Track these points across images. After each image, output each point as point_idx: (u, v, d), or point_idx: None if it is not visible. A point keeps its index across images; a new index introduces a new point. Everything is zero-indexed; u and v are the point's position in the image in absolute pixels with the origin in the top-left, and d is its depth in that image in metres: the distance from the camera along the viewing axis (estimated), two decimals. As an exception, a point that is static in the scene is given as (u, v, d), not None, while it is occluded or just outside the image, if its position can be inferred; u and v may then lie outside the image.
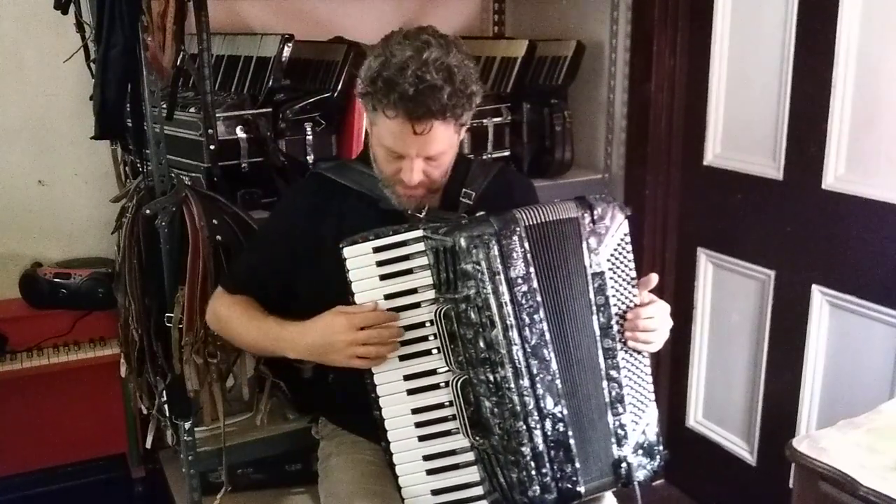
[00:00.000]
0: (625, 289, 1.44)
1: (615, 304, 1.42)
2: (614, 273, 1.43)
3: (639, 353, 1.46)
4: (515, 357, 1.34)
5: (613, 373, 1.42)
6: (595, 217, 1.41)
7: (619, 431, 1.42)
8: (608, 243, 1.42)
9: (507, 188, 1.66)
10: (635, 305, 1.45)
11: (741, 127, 2.19)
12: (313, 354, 1.45)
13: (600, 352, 1.42)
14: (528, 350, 1.35)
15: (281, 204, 1.77)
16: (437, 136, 1.40)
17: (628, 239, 1.44)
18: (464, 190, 1.58)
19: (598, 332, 1.42)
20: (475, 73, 1.42)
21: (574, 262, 1.40)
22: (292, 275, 1.58)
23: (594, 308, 1.41)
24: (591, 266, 1.41)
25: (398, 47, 1.38)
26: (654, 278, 1.49)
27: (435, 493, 1.40)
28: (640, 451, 1.44)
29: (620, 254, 1.44)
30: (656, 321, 1.46)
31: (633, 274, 1.45)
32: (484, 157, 2.28)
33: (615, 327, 1.42)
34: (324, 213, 1.56)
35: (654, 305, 1.47)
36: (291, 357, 1.51)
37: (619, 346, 1.43)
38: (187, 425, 1.95)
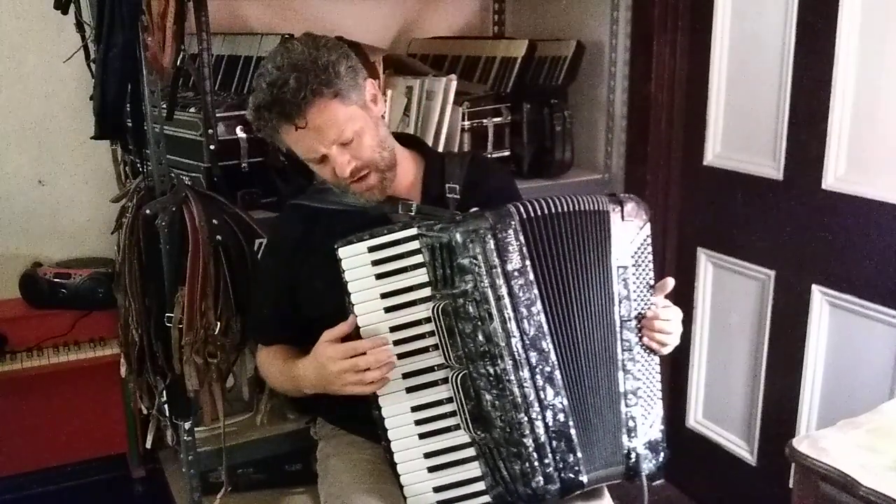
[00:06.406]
0: (643, 288, 1.46)
1: (635, 300, 1.45)
2: (636, 270, 1.45)
3: (652, 351, 1.48)
4: (515, 349, 1.35)
5: (630, 365, 1.44)
6: (624, 213, 1.45)
7: (630, 423, 1.43)
8: (634, 240, 1.45)
9: (484, 176, 1.67)
10: (653, 305, 1.46)
11: (741, 127, 2.19)
12: (317, 388, 1.46)
13: (619, 342, 1.43)
14: (527, 342, 1.36)
15: (268, 242, 1.77)
16: (323, 119, 1.40)
17: (650, 241, 1.47)
18: (447, 185, 1.58)
19: (618, 323, 1.43)
20: (333, 50, 1.42)
21: (596, 253, 1.42)
22: (300, 299, 1.58)
23: (617, 299, 1.43)
24: (617, 259, 1.43)
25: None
26: (670, 282, 1.51)
27: (437, 490, 1.40)
28: (647, 446, 1.46)
29: (643, 254, 1.46)
30: (672, 324, 1.48)
31: (652, 275, 1.47)
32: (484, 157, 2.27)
33: (634, 322, 1.44)
34: (313, 237, 1.56)
35: (670, 309, 1.49)
36: (309, 394, 1.53)
37: (636, 339, 1.45)
38: (187, 425, 1.95)
